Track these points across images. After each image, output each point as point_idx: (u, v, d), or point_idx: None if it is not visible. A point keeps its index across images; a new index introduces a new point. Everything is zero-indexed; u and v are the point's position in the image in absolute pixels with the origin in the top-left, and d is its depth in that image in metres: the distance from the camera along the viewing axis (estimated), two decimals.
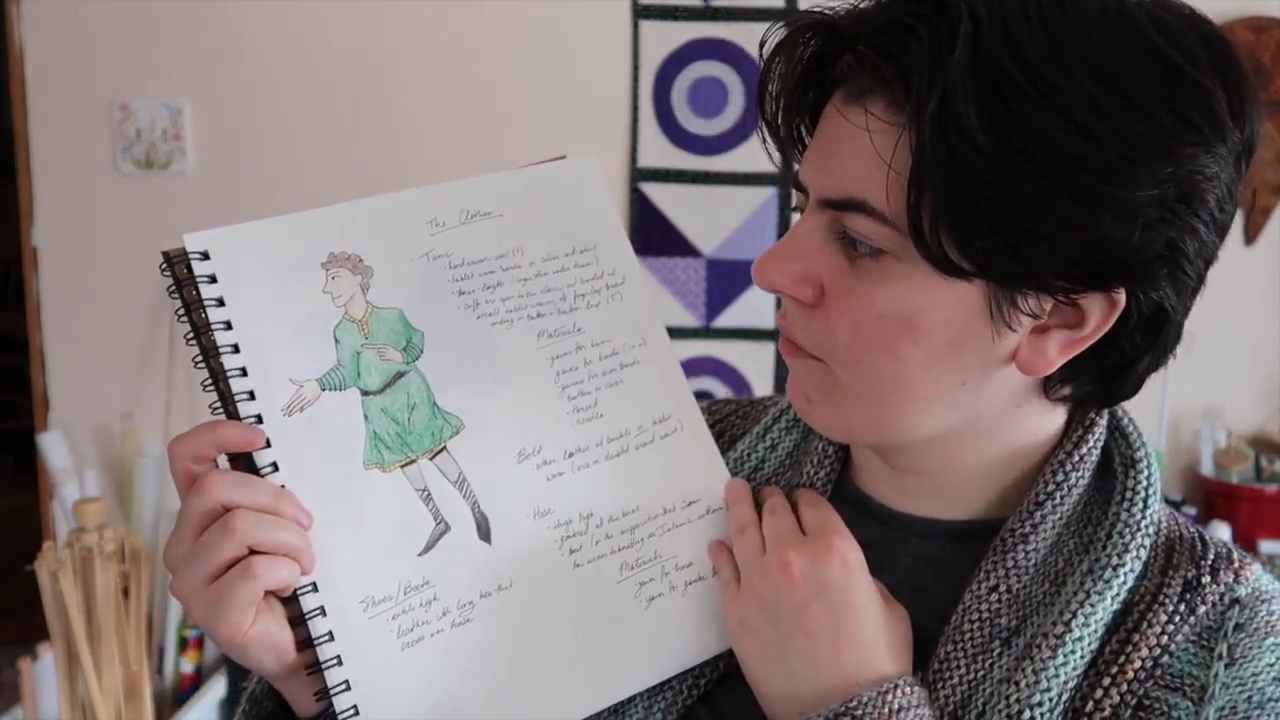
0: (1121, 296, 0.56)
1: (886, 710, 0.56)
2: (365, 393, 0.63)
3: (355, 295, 0.63)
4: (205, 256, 0.60)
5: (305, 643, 0.61)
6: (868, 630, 0.60)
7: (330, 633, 0.60)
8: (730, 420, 0.81)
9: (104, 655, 1.77)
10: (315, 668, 0.60)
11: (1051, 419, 0.64)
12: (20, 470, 4.17)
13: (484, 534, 0.64)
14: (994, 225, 0.53)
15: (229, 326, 0.60)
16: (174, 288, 0.60)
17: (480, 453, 0.65)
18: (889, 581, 0.65)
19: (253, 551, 0.58)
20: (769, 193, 2.42)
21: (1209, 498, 2.40)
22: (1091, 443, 0.64)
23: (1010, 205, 0.52)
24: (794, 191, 0.64)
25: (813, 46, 0.60)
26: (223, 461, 0.61)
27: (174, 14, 2.38)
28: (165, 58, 2.39)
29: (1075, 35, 0.52)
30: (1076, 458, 0.63)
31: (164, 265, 0.59)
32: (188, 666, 2.22)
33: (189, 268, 0.59)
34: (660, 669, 0.65)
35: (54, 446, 2.32)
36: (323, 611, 0.60)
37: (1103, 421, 0.65)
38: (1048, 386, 0.62)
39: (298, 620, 0.61)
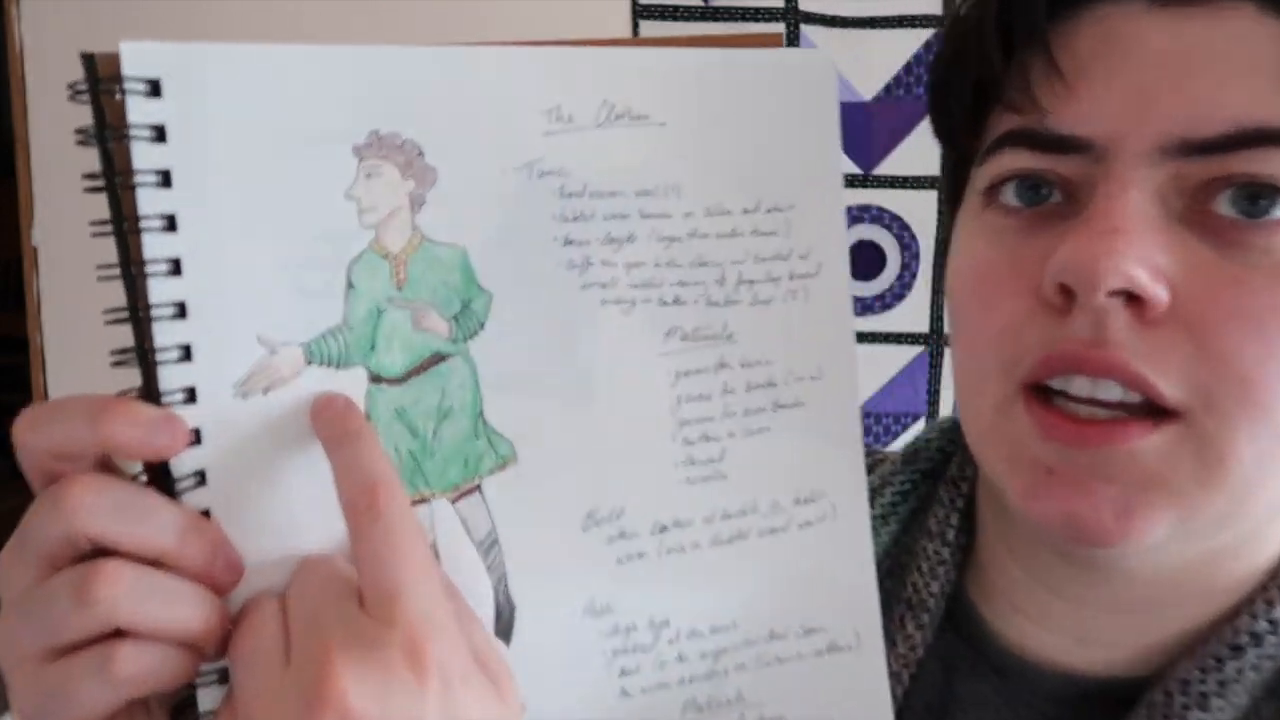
0: None
1: None
2: (377, 378, 0.35)
3: (398, 212, 0.35)
4: (154, 90, 0.32)
5: None
6: None
7: None
8: None
9: None
10: None
11: None
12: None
13: (503, 628, 0.38)
14: None
15: (171, 225, 0.32)
16: (93, 131, 0.32)
17: (530, 503, 0.38)
18: None
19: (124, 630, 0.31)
20: None
21: None
22: None
23: None
24: (1013, 159, 0.40)
25: None
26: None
27: (174, 15, 2.23)
28: None
29: None
30: None
31: (81, 86, 0.32)
32: None
33: (124, 103, 0.32)
34: None
35: None
36: None
37: None
38: None
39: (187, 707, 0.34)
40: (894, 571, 0.48)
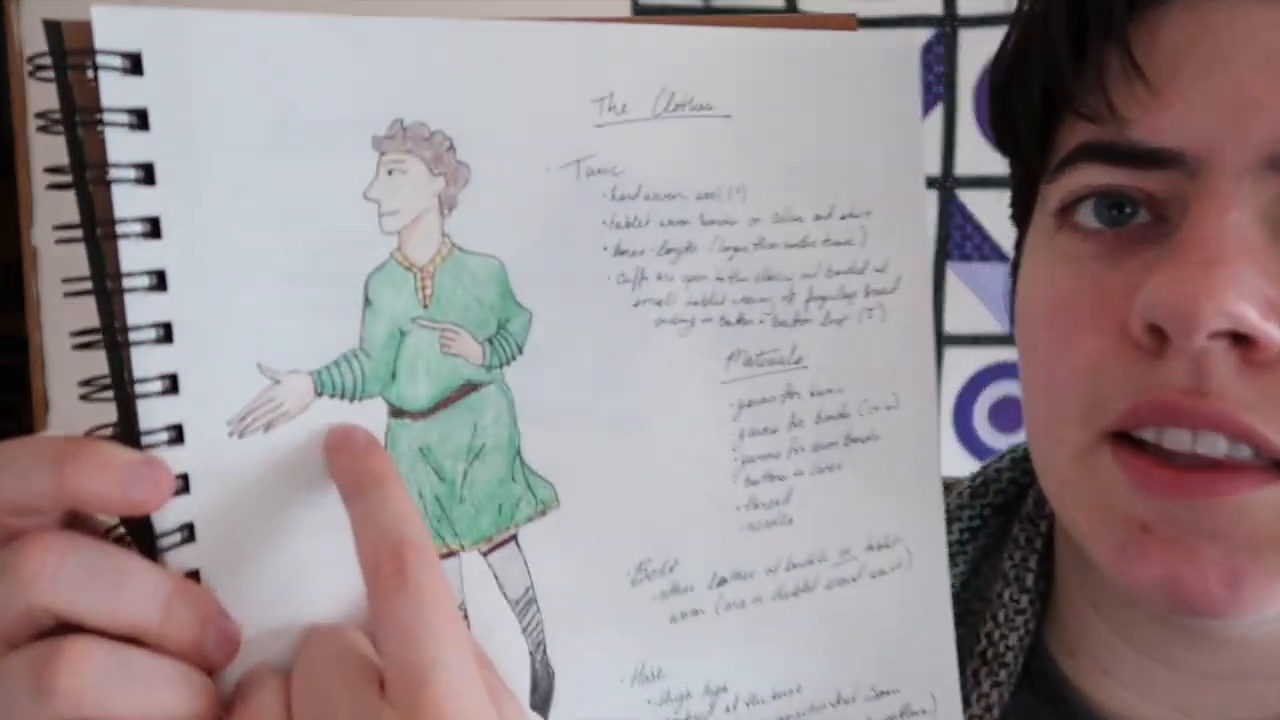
0: None
1: None
2: (398, 412, 0.30)
3: (425, 217, 0.29)
4: (134, 66, 0.26)
5: None
6: None
7: None
8: None
9: None
10: None
11: None
12: None
13: (540, 699, 0.32)
14: None
15: (155, 230, 0.26)
16: (57, 116, 0.26)
17: (573, 555, 0.32)
18: None
19: None
20: None
21: None
22: None
23: None
24: (1089, 175, 0.34)
25: None
26: None
27: None
28: None
29: None
30: None
31: (44, 60, 0.26)
32: None
33: (96, 82, 0.26)
34: None
35: None
36: None
37: None
38: None
39: None
40: (964, 619, 0.42)
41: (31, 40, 2.20)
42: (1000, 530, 0.44)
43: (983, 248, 1.57)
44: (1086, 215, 0.34)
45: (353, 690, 0.26)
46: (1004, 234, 1.57)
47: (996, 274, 1.60)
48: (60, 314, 2.16)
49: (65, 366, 2.17)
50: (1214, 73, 0.31)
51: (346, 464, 0.28)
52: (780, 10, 1.99)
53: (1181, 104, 0.31)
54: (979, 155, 1.55)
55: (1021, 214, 0.40)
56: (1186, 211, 0.32)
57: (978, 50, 1.60)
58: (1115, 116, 0.32)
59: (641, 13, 2.12)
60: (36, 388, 2.19)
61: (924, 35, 1.71)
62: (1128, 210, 0.33)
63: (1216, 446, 0.31)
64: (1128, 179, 0.33)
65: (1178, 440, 0.32)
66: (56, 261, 2.20)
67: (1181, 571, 0.32)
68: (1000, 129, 0.39)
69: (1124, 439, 0.33)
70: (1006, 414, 1.53)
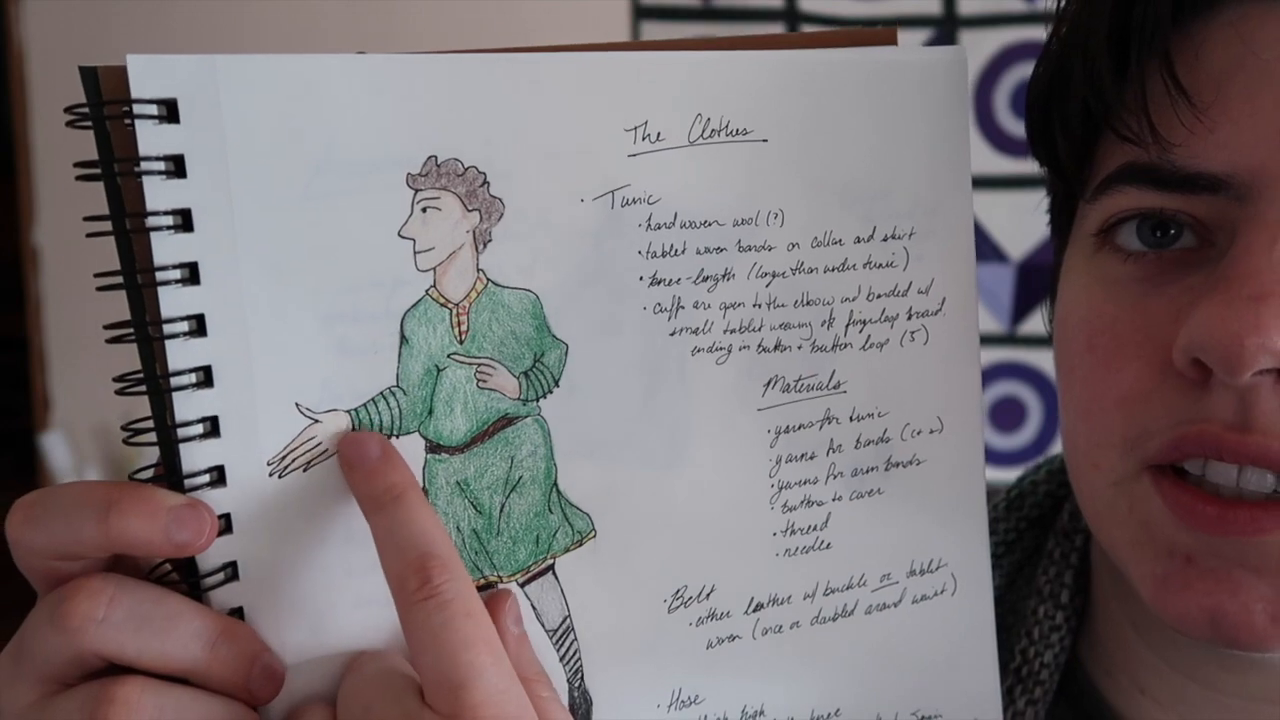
0: None
1: None
2: (435, 447, 0.30)
3: (460, 253, 0.29)
4: (169, 113, 0.25)
5: None
6: None
7: None
8: None
9: None
10: None
11: None
12: (20, 470, 3.84)
13: None
14: None
15: (193, 277, 0.26)
16: (98, 166, 0.26)
17: (610, 583, 0.32)
18: None
19: None
20: None
21: None
22: None
23: None
24: (1132, 198, 0.33)
25: None
26: None
27: (174, 15, 2.17)
28: None
29: None
30: None
31: (81, 108, 0.25)
32: None
33: (133, 129, 0.25)
34: None
35: (54, 446, 2.10)
36: None
37: None
38: None
39: None
40: (999, 635, 0.41)
41: (33, 41, 2.21)
42: (1036, 544, 0.43)
43: (982, 248, 1.57)
44: (1128, 237, 0.33)
45: (394, 697, 0.26)
46: (1004, 235, 1.57)
47: (996, 275, 1.60)
48: (61, 314, 2.17)
49: (65, 367, 2.18)
50: (1261, 93, 0.30)
51: (361, 482, 0.28)
52: (781, 10, 1.99)
53: (1228, 126, 0.30)
54: (979, 156, 1.55)
55: (1060, 228, 0.39)
56: (1234, 238, 0.31)
57: (977, 50, 1.60)
58: (1158, 139, 0.31)
59: (642, 13, 2.12)
60: (37, 387, 2.20)
61: (923, 36, 1.71)
62: (1172, 232, 0.32)
63: (1264, 482, 0.30)
64: (1172, 202, 0.32)
65: (1223, 474, 0.31)
66: (56, 261, 2.20)
67: (1225, 605, 0.31)
68: (1038, 142, 0.37)
69: (1165, 469, 0.32)
70: (1007, 414, 1.52)
